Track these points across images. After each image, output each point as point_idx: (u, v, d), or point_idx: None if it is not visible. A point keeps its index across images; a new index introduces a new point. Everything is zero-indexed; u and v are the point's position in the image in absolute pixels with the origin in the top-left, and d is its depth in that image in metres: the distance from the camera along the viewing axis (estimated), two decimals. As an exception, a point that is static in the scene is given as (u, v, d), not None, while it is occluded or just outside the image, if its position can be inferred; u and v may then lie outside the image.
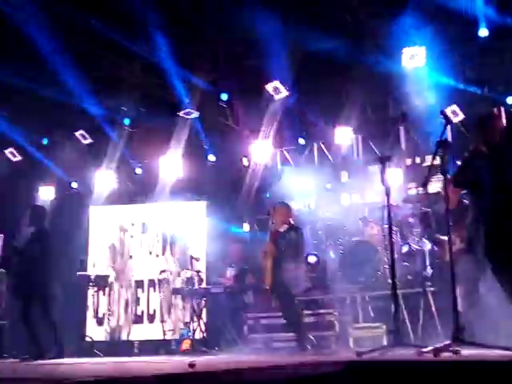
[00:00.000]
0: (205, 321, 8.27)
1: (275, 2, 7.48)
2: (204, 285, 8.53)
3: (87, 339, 8.84)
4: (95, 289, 9.10)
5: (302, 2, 7.96)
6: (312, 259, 7.88)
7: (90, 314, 9.30)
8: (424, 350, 3.76)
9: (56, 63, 8.61)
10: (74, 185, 10.80)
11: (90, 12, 8.12)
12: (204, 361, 4.98)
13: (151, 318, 9.32)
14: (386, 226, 5.54)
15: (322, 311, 7.37)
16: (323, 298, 7.54)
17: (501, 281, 4.20)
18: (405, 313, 6.56)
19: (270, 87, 8.52)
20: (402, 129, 9.01)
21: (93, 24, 8.23)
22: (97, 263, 9.56)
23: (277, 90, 8.50)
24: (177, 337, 8.65)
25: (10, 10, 7.64)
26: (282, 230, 6.77)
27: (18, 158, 10.60)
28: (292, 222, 6.89)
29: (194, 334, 8.01)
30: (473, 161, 4.51)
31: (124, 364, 5.30)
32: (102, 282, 9.17)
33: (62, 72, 8.77)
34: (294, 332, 6.69)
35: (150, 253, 9.51)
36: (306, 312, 7.22)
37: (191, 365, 3.15)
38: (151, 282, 9.38)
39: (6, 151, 10.53)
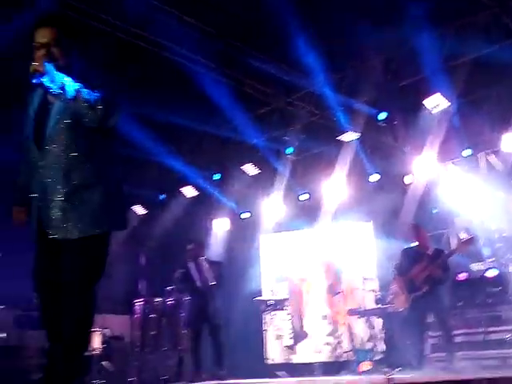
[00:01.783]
0: (384, 341, 8.21)
1: (431, 16, 7.41)
2: (379, 304, 8.50)
3: (267, 361, 9.20)
4: (273, 312, 9.49)
5: (457, 12, 7.79)
6: (492, 273, 7.55)
7: (269, 336, 9.66)
8: None
9: (221, 102, 9.22)
10: (245, 215, 11.40)
11: (247, 48, 8.65)
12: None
13: (327, 339, 9.44)
14: None
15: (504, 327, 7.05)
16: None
17: None
18: None
19: (429, 100, 8.38)
20: None
21: (252, 61, 8.75)
22: (271, 288, 9.97)
23: (437, 102, 8.33)
24: (355, 357, 8.68)
25: (181, 60, 8.36)
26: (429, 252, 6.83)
27: (194, 193, 11.46)
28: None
29: (373, 354, 7.99)
30: None
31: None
32: (278, 306, 9.54)
33: (227, 110, 9.39)
34: None
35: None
36: (489, 329, 6.98)
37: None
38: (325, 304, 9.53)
39: (183, 189, 11.43)
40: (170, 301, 8.62)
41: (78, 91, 2.73)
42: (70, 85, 2.75)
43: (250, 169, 10.64)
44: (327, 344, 9.30)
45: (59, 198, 2.83)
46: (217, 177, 11.32)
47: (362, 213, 9.62)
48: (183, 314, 8.18)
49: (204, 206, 11.57)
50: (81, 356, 2.87)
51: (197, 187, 11.37)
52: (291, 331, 9.64)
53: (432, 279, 6.59)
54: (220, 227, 11.39)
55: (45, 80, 2.75)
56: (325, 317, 9.42)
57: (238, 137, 10.42)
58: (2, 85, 7.43)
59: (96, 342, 8.18)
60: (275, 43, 8.81)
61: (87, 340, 2.96)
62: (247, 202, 11.27)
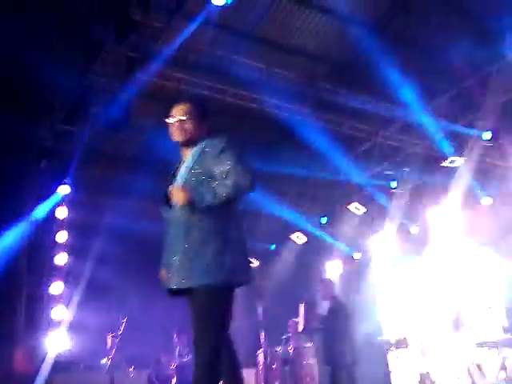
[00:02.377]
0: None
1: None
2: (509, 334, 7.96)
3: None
4: (396, 351, 9.17)
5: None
6: None
7: (395, 377, 9.32)
8: None
9: (321, 145, 9.38)
10: (357, 255, 11.29)
11: (339, 89, 8.83)
12: None
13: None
14: None
15: None
16: None
17: None
18: None
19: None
20: None
21: (346, 101, 8.91)
22: (392, 326, 9.69)
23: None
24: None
25: (277, 110, 8.68)
26: None
27: (304, 239, 11.55)
28: None
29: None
30: None
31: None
32: (402, 345, 9.21)
33: (327, 152, 9.52)
34: None
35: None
36: None
37: None
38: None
39: (292, 236, 11.58)
40: (290, 348, 8.60)
41: (204, 155, 3.16)
42: (198, 151, 3.19)
43: (357, 208, 10.60)
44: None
45: (180, 251, 3.10)
46: (324, 220, 11.37)
47: (478, 238, 9.22)
48: (305, 362, 8.11)
49: (315, 250, 11.61)
50: None
51: (306, 232, 11.47)
52: (418, 371, 9.22)
53: None
54: (333, 269, 11.33)
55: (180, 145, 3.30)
56: (451, 355, 8.94)
57: (341, 177, 10.50)
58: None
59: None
60: (366, 79, 8.94)
61: None
62: (358, 241, 11.18)
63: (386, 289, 10.32)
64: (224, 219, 3.16)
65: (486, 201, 9.55)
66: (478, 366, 8.40)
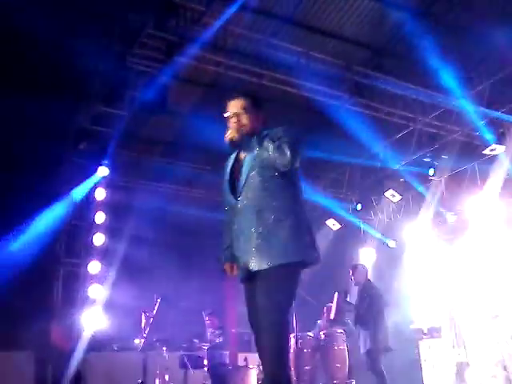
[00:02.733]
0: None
1: None
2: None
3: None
4: (429, 341, 9.09)
5: None
6: None
7: (427, 366, 9.24)
8: None
9: (360, 132, 9.25)
10: (392, 243, 11.17)
11: (378, 74, 8.70)
12: None
13: (494, 371, 8.79)
14: None
15: None
16: None
17: None
18: None
19: None
20: None
21: (385, 86, 8.77)
22: (426, 315, 9.59)
23: None
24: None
25: (316, 96, 8.60)
26: None
27: (338, 226, 11.49)
28: None
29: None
30: None
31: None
32: (435, 334, 9.13)
33: (366, 138, 9.40)
34: None
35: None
36: None
37: None
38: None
39: (328, 222, 11.53)
40: (322, 334, 8.60)
41: (264, 141, 3.23)
42: (257, 140, 3.26)
43: (393, 195, 10.47)
44: (494, 377, 8.64)
45: (254, 237, 3.18)
46: (359, 206, 11.28)
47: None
48: (336, 348, 8.10)
49: (349, 237, 11.54)
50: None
51: (340, 219, 11.40)
52: (452, 361, 9.12)
53: None
54: (367, 257, 11.25)
55: (238, 144, 3.36)
56: (487, 343, 8.79)
57: (377, 164, 10.38)
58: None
59: (253, 379, 8.38)
60: (406, 65, 8.80)
61: (282, 367, 3.05)
62: (393, 229, 11.07)
63: (420, 277, 10.18)
64: (293, 200, 3.28)
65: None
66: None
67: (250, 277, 3.21)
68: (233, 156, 3.54)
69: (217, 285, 13.18)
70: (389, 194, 10.52)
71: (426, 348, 9.18)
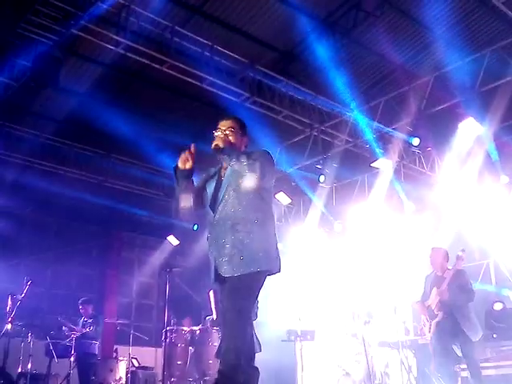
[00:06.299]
0: (415, 374, 7.90)
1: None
2: (411, 336, 8.22)
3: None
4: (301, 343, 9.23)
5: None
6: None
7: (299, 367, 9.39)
8: None
9: (255, 131, 9.21)
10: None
11: (281, 77, 8.73)
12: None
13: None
14: None
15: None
16: None
17: None
18: None
19: (464, 126, 8.27)
20: None
21: (286, 90, 8.85)
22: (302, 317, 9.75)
23: (471, 127, 8.21)
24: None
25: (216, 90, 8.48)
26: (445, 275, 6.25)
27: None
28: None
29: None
30: None
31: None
32: (308, 337, 9.28)
33: (260, 139, 9.40)
34: None
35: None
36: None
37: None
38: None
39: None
40: (198, 330, 8.52)
41: (241, 157, 3.51)
42: (236, 155, 3.53)
43: (283, 198, 10.58)
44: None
45: (227, 246, 3.52)
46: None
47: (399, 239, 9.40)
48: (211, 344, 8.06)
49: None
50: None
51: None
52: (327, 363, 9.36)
53: (444, 305, 6.02)
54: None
55: (221, 151, 3.59)
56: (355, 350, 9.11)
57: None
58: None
59: (121, 371, 8.16)
60: (309, 73, 8.93)
61: (235, 370, 3.31)
62: (281, 232, 11.19)
63: (298, 282, 10.35)
64: (264, 215, 3.62)
65: (410, 206, 9.77)
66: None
67: (221, 280, 3.54)
68: (214, 170, 3.82)
69: (99, 274, 12.81)
70: (279, 196, 10.59)
71: (300, 350, 9.32)
